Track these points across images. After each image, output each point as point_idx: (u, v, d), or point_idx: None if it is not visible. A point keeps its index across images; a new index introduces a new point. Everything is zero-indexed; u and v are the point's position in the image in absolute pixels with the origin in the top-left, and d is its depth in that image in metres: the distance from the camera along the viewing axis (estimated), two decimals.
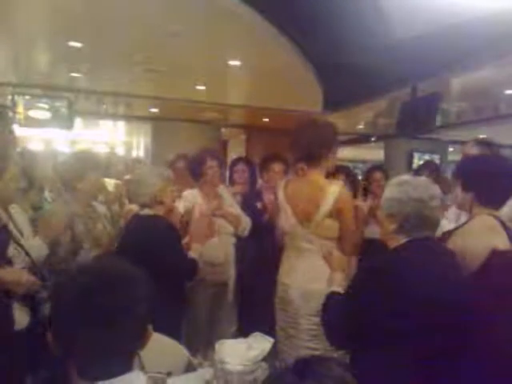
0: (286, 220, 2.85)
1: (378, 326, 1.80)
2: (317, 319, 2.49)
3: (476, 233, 2.08)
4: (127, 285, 1.13)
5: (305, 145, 2.81)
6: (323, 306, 2.09)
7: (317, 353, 2.59)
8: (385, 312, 1.78)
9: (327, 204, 2.70)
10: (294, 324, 2.78)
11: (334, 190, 2.72)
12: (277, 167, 4.07)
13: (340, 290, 2.12)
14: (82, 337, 1.07)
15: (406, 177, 2.03)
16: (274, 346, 2.10)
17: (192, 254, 2.86)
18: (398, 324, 1.78)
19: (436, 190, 1.95)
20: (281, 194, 2.90)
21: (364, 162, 17.27)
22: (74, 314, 1.08)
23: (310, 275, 2.75)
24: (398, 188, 1.95)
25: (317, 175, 2.80)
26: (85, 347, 1.07)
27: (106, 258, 2.75)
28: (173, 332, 2.23)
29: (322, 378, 0.97)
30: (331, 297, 2.10)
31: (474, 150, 3.05)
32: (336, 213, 2.72)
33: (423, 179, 2.03)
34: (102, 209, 3.28)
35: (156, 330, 1.76)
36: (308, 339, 2.72)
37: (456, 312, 1.79)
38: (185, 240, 3.02)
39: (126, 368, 1.10)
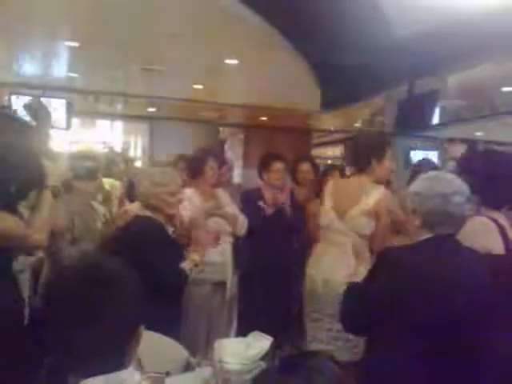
0: (326, 214, 3.10)
1: (385, 316, 1.81)
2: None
3: (470, 236, 2.04)
4: (120, 282, 1.13)
5: (356, 152, 3.12)
6: (343, 294, 2.13)
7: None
8: (392, 304, 1.80)
9: (367, 204, 2.93)
10: (320, 309, 3.04)
11: (376, 192, 2.95)
12: (277, 166, 4.06)
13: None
14: (73, 333, 1.07)
15: (434, 172, 2.02)
16: (273, 344, 2.10)
17: (185, 265, 2.71)
18: (404, 317, 1.79)
19: (461, 186, 1.89)
20: (327, 191, 3.19)
21: None
22: (65, 311, 1.09)
23: (334, 265, 3.00)
24: (422, 183, 1.93)
25: (364, 179, 3.03)
26: (75, 343, 1.08)
27: (98, 255, 2.74)
28: (171, 331, 2.24)
29: (310, 372, 0.98)
30: (350, 285, 2.13)
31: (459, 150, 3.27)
32: (374, 213, 2.94)
33: (450, 175, 1.97)
34: (101, 208, 3.28)
35: (154, 329, 1.77)
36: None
37: (464, 311, 1.79)
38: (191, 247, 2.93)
39: (116, 365, 1.11)
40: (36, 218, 2.21)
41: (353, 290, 2.08)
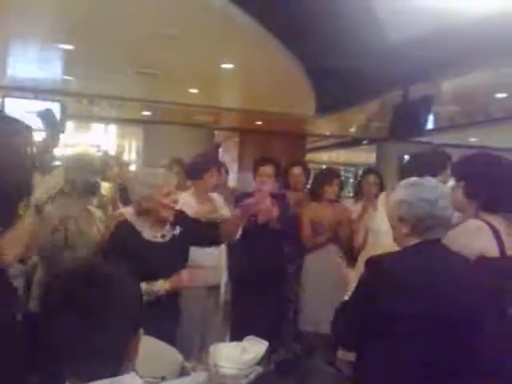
0: (382, 219, 3.26)
1: (378, 324, 1.81)
2: None
3: (461, 238, 2.04)
4: (119, 285, 1.13)
5: (414, 167, 3.13)
6: (335, 309, 2.07)
7: None
8: (380, 313, 1.79)
9: None
10: None
11: None
12: (266, 170, 4.03)
13: None
14: (72, 335, 1.07)
15: (414, 178, 2.00)
16: (268, 349, 2.09)
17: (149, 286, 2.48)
18: (391, 326, 1.79)
19: (445, 189, 1.94)
20: (382, 199, 3.53)
21: (355, 165, 17.35)
22: (64, 313, 1.08)
23: None
24: (405, 190, 1.92)
25: None
26: (74, 347, 1.07)
27: (97, 258, 2.72)
28: (166, 336, 2.22)
29: (306, 375, 0.98)
30: (343, 301, 2.08)
31: None
32: None
33: (431, 180, 1.99)
34: (97, 212, 3.26)
35: (149, 333, 1.76)
36: None
37: (460, 314, 1.79)
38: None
39: (115, 370, 1.10)
40: (10, 235, 2.14)
41: (345, 304, 2.06)
